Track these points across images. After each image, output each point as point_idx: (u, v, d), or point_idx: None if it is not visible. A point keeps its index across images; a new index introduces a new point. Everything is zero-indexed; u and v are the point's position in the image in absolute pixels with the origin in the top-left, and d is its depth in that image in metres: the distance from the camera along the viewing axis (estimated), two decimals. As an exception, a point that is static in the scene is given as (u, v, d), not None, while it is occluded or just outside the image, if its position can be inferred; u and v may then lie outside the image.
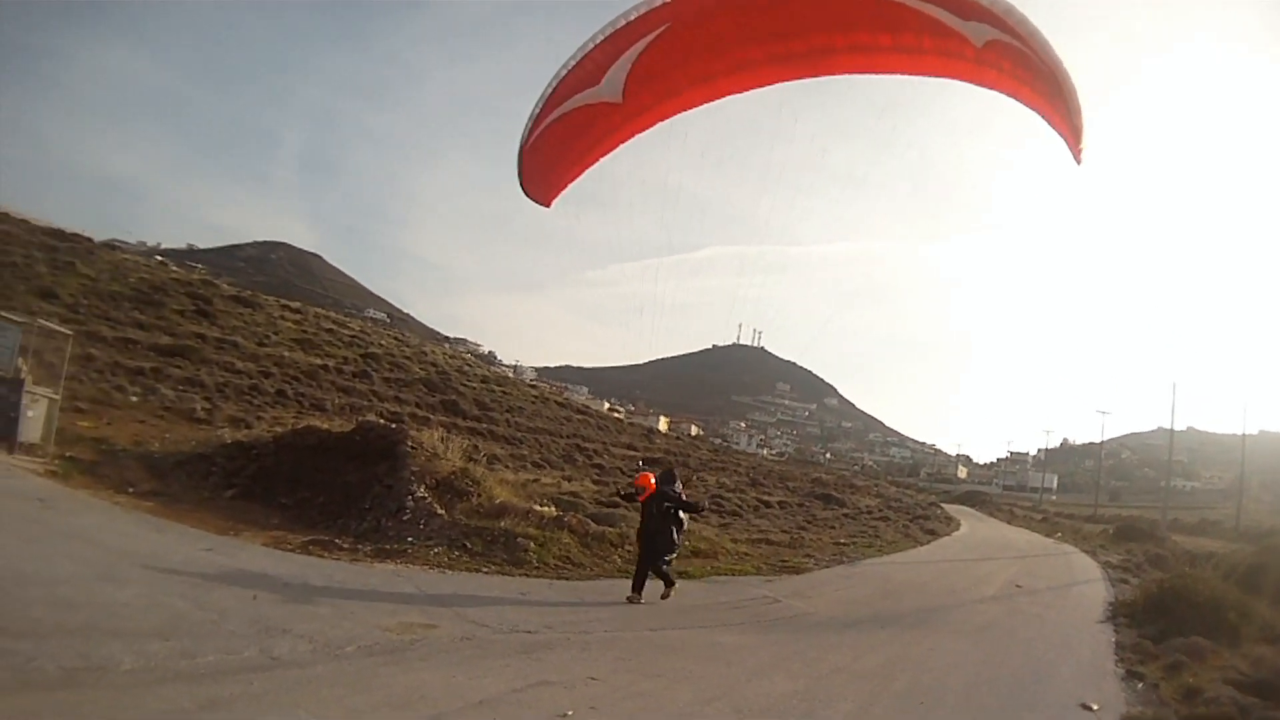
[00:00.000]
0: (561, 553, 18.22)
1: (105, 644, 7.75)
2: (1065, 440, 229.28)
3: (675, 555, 16.69)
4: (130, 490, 18.32)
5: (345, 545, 16.46)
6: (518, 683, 8.96)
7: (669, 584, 16.11)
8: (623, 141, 15.92)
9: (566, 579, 16.75)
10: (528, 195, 17.07)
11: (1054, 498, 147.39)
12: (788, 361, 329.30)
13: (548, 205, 16.94)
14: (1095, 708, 10.95)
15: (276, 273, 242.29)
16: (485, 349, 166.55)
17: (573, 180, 16.73)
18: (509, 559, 17.15)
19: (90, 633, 7.97)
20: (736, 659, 11.70)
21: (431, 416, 45.43)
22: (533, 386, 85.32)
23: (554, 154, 16.21)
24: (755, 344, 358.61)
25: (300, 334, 57.51)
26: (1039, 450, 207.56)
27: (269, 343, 51.74)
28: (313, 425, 24.40)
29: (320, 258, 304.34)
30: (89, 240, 59.85)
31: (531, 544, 17.84)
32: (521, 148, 16.19)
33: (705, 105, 15.22)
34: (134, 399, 32.14)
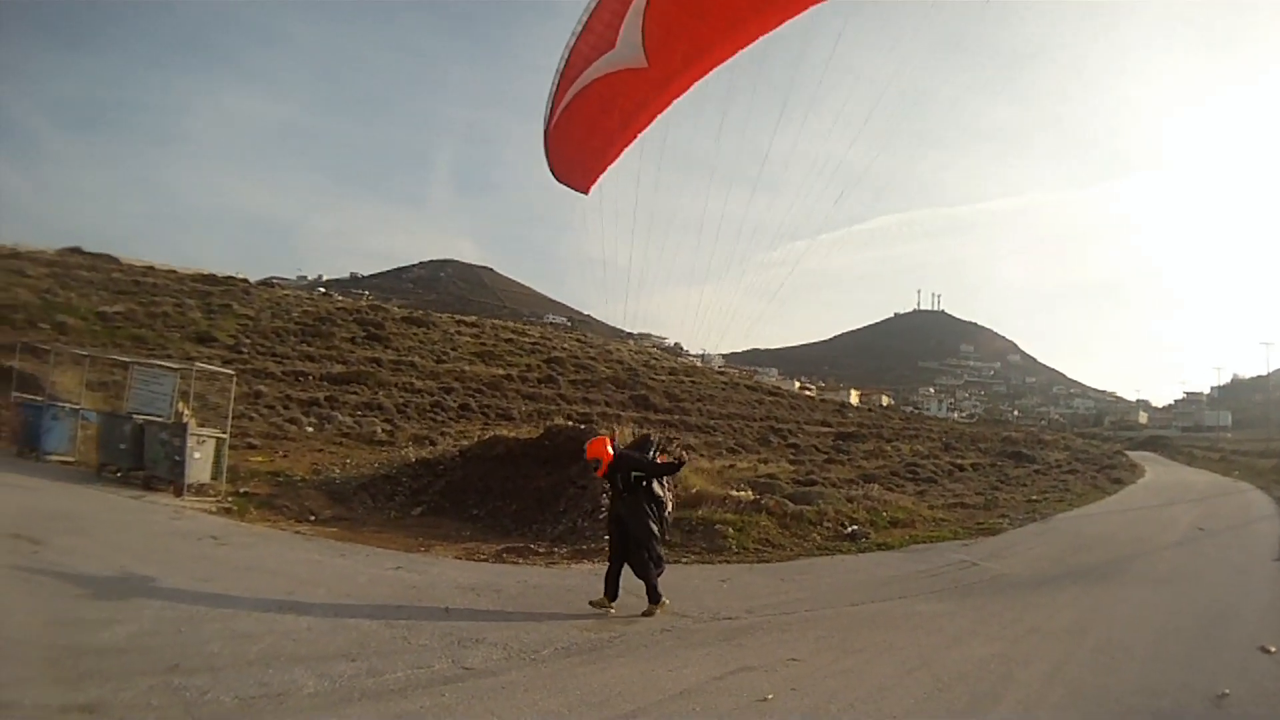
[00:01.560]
0: (760, 535, 17.80)
1: (286, 670, 7.49)
2: (1235, 376, 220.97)
3: (660, 550, 11.94)
4: (311, 519, 18.48)
5: (541, 550, 16.44)
6: (718, 670, 8.74)
7: (653, 595, 11.64)
8: (659, 113, 13.46)
9: (766, 561, 16.42)
10: (560, 182, 15.00)
11: (1229, 435, 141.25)
12: (968, 322, 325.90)
13: (586, 192, 15.16)
14: (1274, 650, 10.29)
15: (448, 290, 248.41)
16: (670, 341, 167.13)
17: (610, 163, 14.00)
18: (708, 546, 16.91)
19: (270, 661, 7.72)
20: (936, 627, 11.48)
21: (622, 413, 45.11)
22: (722, 373, 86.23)
23: (582, 136, 14.12)
24: (935, 308, 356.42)
25: (479, 347, 59.30)
26: (1211, 389, 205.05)
27: (448, 359, 53.30)
28: (499, 435, 24.80)
29: (491, 270, 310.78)
30: (244, 281, 61.86)
31: (730, 529, 17.52)
32: (546, 131, 14.24)
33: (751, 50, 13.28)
34: (309, 429, 32.89)
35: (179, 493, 19.04)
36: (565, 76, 13.20)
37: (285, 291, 71.30)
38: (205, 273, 61.70)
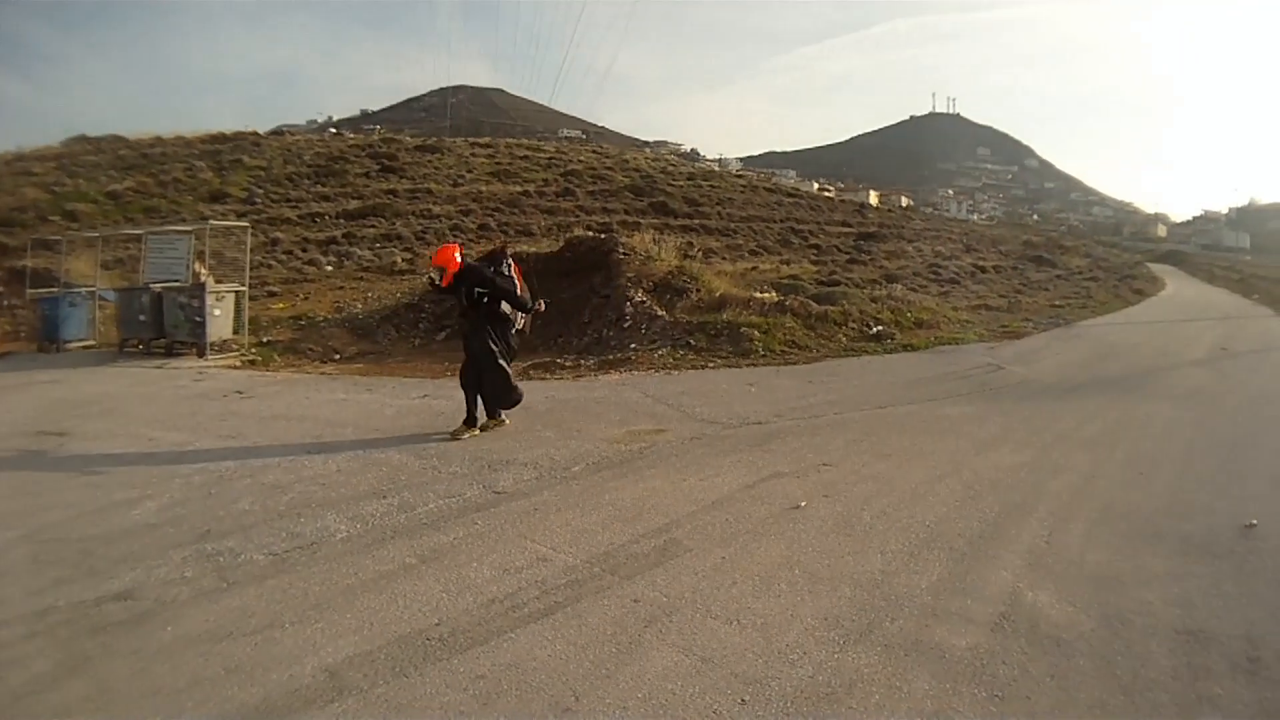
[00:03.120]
0: (786, 337, 17.87)
1: (317, 518, 7.51)
2: (1252, 200, 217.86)
3: (502, 374, 11.00)
4: (336, 358, 18.65)
5: (568, 364, 16.74)
6: (750, 478, 8.77)
7: (491, 414, 11.21)
8: None
9: (793, 364, 16.65)
10: None
11: (1248, 258, 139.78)
12: (985, 126, 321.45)
13: None
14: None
15: (460, 115, 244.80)
16: (686, 148, 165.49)
17: None
18: (734, 350, 16.95)
19: (301, 510, 7.73)
20: (964, 431, 11.46)
21: (641, 221, 45.04)
22: (739, 176, 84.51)
23: None
24: (951, 111, 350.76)
25: (495, 167, 58.63)
26: (1229, 209, 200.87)
27: (463, 181, 52.94)
28: (519, 251, 24.46)
29: (503, 91, 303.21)
30: (253, 134, 61.13)
31: (755, 332, 17.58)
32: None
33: None
34: (328, 269, 32.96)
35: (202, 353, 19.16)
36: None
37: (296, 137, 70.48)
38: (214, 133, 60.95)
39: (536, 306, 11.42)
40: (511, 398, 11.16)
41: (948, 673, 4.74)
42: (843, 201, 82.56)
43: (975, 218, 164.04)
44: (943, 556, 6.51)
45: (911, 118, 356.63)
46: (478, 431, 10.88)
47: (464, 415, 10.99)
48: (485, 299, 10.86)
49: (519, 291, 11.25)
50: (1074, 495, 8.36)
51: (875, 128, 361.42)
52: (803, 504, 7.82)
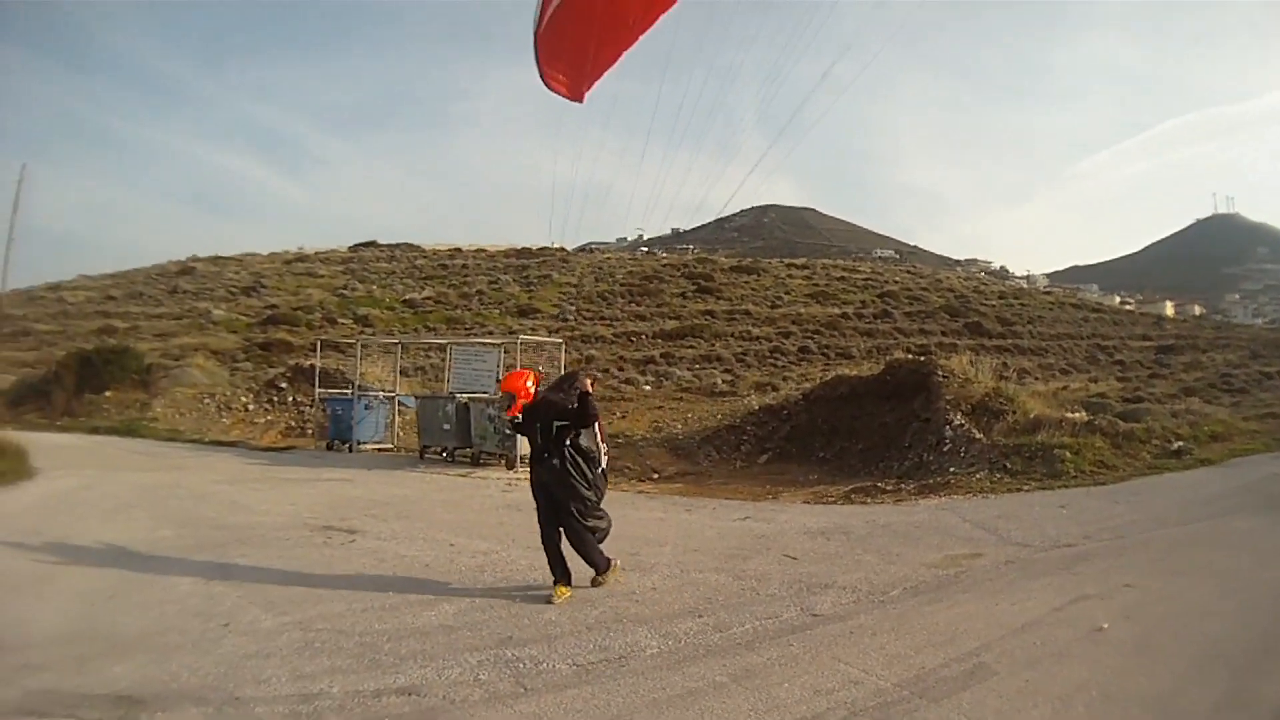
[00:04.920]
0: (1095, 457, 17.59)
1: (628, 632, 7.48)
2: None
3: (597, 512, 9.34)
4: (654, 477, 18.91)
5: (888, 487, 16.71)
6: (1058, 601, 8.69)
7: (596, 564, 9.29)
8: (665, 10, 10.82)
9: (1102, 484, 16.22)
10: (551, 89, 13.01)
11: None
12: (1260, 224, 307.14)
13: (580, 100, 12.93)
14: None
15: (773, 235, 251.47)
16: (996, 265, 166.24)
17: (608, 66, 12.00)
18: (1047, 472, 16.88)
19: (611, 625, 7.72)
20: (1251, 545, 11.15)
21: (958, 342, 45.90)
22: (1047, 293, 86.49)
23: (576, 38, 11.54)
24: (1229, 211, 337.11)
25: (812, 288, 61.25)
26: None
27: (781, 303, 54.58)
28: (842, 375, 25.03)
29: (814, 210, 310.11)
30: (561, 250, 63.87)
31: (1067, 453, 17.41)
32: (536, 34, 11.56)
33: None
34: (646, 388, 33.67)
35: (511, 465, 19.82)
36: None
37: (606, 255, 73.49)
38: (518, 247, 64.03)
39: (605, 451, 9.61)
40: (592, 548, 9.20)
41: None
42: (1143, 314, 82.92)
43: (1260, 322, 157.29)
44: (1224, 674, 6.51)
45: (1196, 221, 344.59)
46: (569, 592, 8.88)
47: (560, 573, 9.05)
48: (564, 433, 9.06)
49: (597, 428, 9.48)
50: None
51: (1167, 233, 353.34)
52: (1104, 626, 7.76)
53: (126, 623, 7.83)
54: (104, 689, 6.10)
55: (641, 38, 11.22)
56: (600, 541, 9.31)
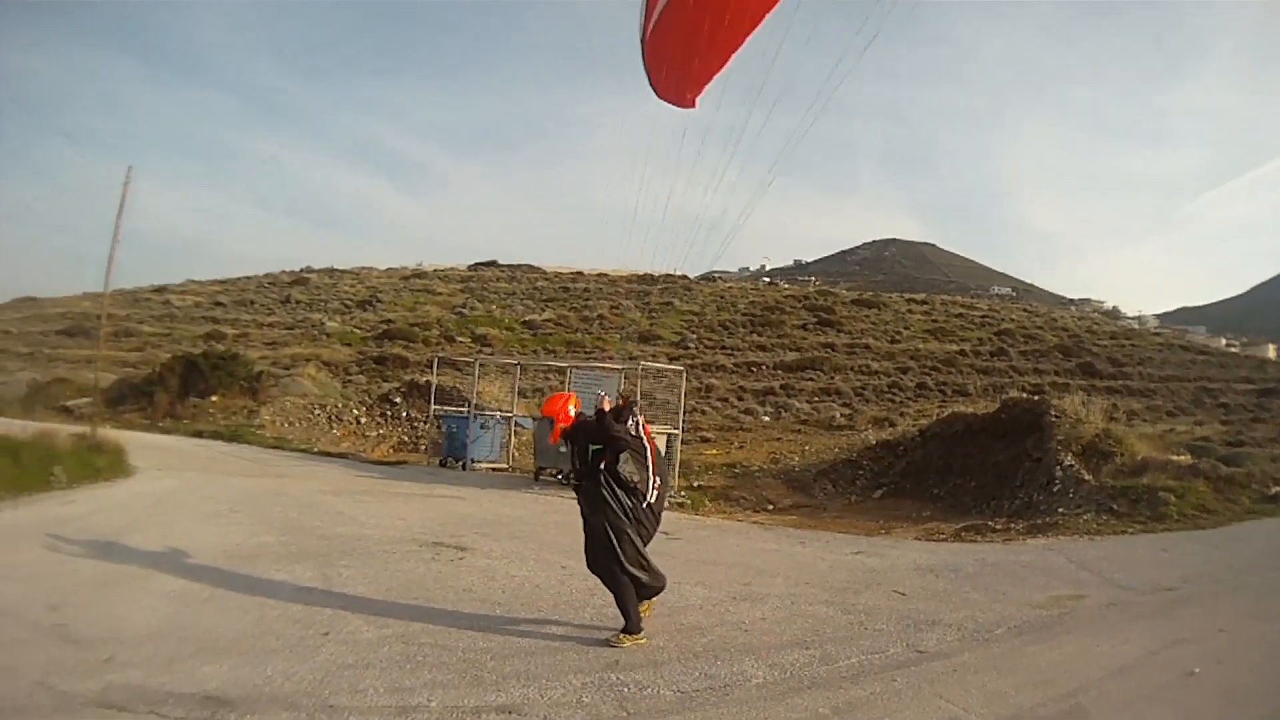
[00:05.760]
0: (1197, 501, 17.73)
1: (734, 662, 7.58)
2: None
3: (638, 561, 8.45)
4: (769, 508, 19.01)
5: (998, 526, 16.81)
6: (1154, 644, 8.85)
7: (627, 617, 8.24)
8: (769, 7, 10.24)
9: (1202, 528, 16.36)
10: (661, 97, 12.53)
11: None
12: None
13: (693, 105, 12.36)
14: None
15: (893, 269, 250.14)
16: (1109, 305, 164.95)
17: (720, 68, 11.45)
18: (1151, 514, 17.02)
19: (718, 653, 7.83)
20: None
21: (1070, 382, 46.63)
22: (1156, 334, 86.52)
23: (683, 39, 10.76)
24: None
25: (931, 324, 61.96)
26: None
27: (901, 338, 55.01)
28: (958, 411, 25.26)
29: (934, 246, 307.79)
30: (684, 278, 64.28)
31: (1171, 496, 17.53)
32: (642, 40, 11.89)
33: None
34: (765, 419, 33.89)
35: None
36: None
37: (729, 284, 73.82)
38: (640, 273, 64.54)
39: (656, 484, 8.75)
40: (627, 595, 8.32)
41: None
42: (1247, 357, 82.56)
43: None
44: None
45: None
46: (632, 641, 8.13)
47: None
48: (603, 460, 8.53)
49: (648, 459, 8.75)
50: None
51: (1271, 274, 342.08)
52: (1197, 670, 7.86)
53: (221, 625, 8.02)
54: (191, 688, 6.28)
55: (740, 50, 11.10)
56: (647, 597, 8.56)
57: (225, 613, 8.49)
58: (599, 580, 8.60)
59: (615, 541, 8.29)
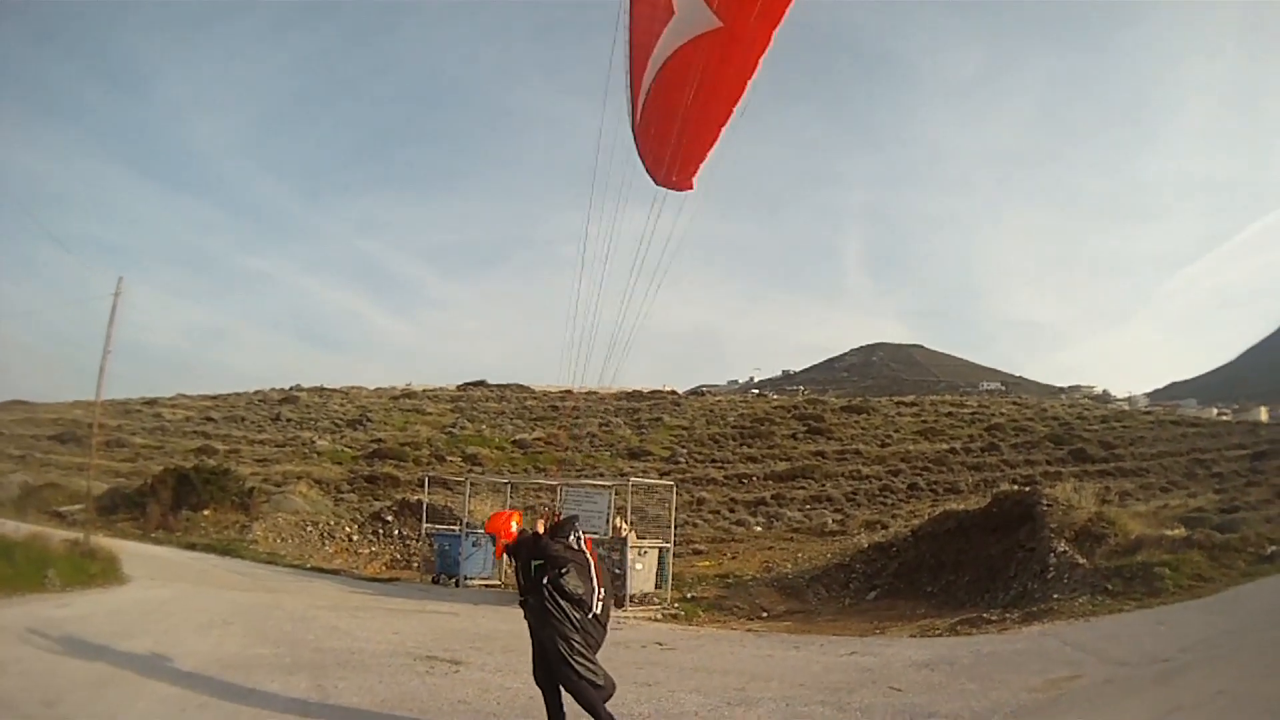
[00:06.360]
0: (1192, 571, 17.89)
1: (730, 763, 7.66)
2: None
3: (588, 667, 8.43)
4: (763, 615, 19.07)
5: (993, 617, 16.80)
6: (1152, 714, 9.13)
7: (597, 717, 8.30)
8: (749, 78, 10.39)
9: (1198, 596, 16.50)
10: (659, 183, 12.53)
11: None
12: None
13: (689, 188, 12.41)
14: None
15: (881, 374, 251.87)
16: (1099, 389, 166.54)
17: (709, 149, 11.51)
18: (1147, 590, 17.20)
19: (717, 756, 7.90)
20: None
21: (1062, 470, 46.46)
22: (1147, 413, 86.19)
23: (670, 123, 11.07)
24: None
25: (921, 425, 61.80)
26: None
27: (891, 441, 55.35)
28: (949, 509, 25.26)
29: (921, 347, 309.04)
30: (672, 393, 64.81)
31: (1166, 570, 17.70)
32: (633, 128, 11.65)
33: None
34: (757, 529, 33.97)
35: (620, 605, 19.79)
36: (636, 59, 11.28)
37: (717, 398, 74.35)
38: (629, 390, 64.90)
39: (600, 595, 8.87)
40: (590, 696, 8.33)
41: None
42: (1239, 423, 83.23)
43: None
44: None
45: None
46: None
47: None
48: (545, 575, 8.67)
49: (592, 572, 8.87)
50: None
51: (1260, 337, 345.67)
52: None
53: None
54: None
55: (728, 123, 11.23)
56: (604, 700, 8.46)
57: (220, 720, 8.38)
58: (541, 693, 8.77)
59: (567, 652, 8.31)
